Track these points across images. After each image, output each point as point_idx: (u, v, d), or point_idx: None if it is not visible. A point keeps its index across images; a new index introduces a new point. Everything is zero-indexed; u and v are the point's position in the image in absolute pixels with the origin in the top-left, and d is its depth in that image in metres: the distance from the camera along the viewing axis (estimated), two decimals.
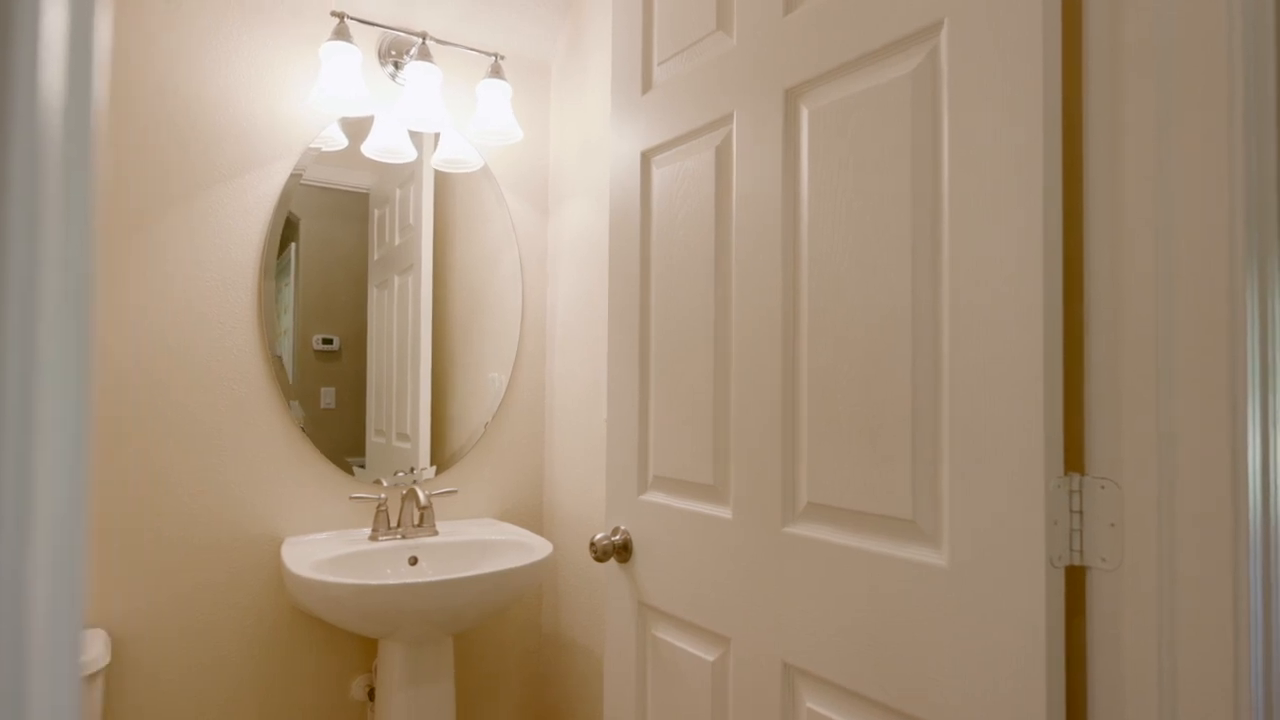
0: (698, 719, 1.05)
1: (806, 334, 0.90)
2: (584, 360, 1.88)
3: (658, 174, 1.16)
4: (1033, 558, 0.67)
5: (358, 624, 1.42)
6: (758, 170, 0.97)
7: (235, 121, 1.64)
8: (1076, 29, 0.71)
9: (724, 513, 1.01)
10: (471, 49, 1.87)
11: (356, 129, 1.77)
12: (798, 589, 0.90)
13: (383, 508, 1.70)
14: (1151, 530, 0.64)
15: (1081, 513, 0.68)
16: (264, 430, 1.67)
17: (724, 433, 1.02)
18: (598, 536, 1.17)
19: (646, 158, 1.18)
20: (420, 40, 1.77)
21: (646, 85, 1.20)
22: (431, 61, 1.71)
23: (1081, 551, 0.68)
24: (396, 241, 1.83)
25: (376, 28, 1.79)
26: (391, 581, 1.37)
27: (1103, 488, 0.67)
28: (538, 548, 1.63)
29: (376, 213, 1.81)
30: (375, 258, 1.81)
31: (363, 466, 1.78)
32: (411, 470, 1.84)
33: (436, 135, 1.88)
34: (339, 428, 1.75)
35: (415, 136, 1.85)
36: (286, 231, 1.69)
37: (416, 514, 1.77)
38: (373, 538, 1.68)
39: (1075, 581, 0.70)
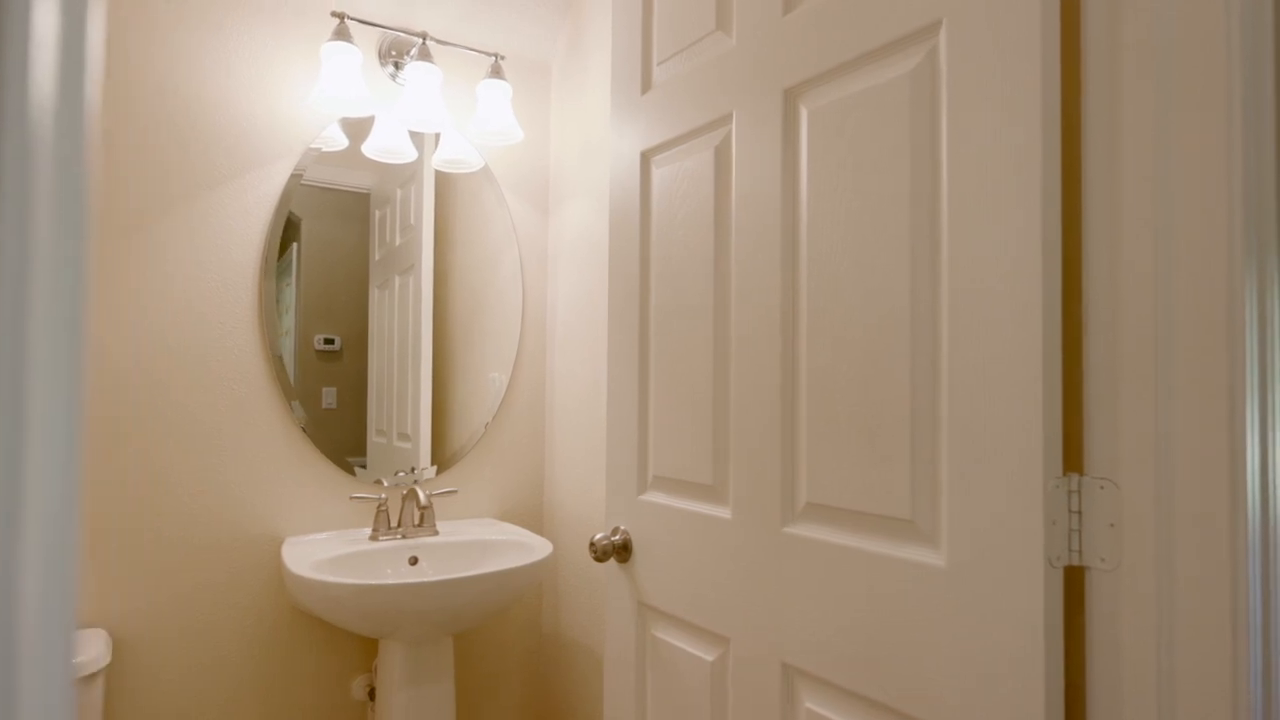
0: (697, 719, 1.05)
1: (805, 334, 0.90)
2: (584, 360, 1.88)
3: (657, 174, 1.16)
4: (1031, 558, 0.67)
5: (358, 624, 1.42)
6: (757, 170, 0.97)
7: (235, 122, 1.64)
8: (1075, 29, 0.71)
9: (723, 513, 1.01)
10: (472, 49, 1.87)
11: (357, 129, 1.78)
12: (797, 589, 0.90)
13: (383, 508, 1.70)
14: (1150, 530, 0.64)
15: (1080, 513, 0.68)
16: (264, 430, 1.67)
17: (723, 433, 1.02)
18: (598, 536, 1.17)
19: (646, 158, 1.18)
20: (420, 40, 1.77)
21: (646, 85, 1.20)
22: (432, 62, 1.71)
23: (1080, 552, 0.68)
24: (397, 242, 1.83)
25: (377, 28, 1.80)
26: (392, 581, 1.37)
27: (1101, 488, 0.67)
28: (538, 548, 1.63)
29: (377, 213, 1.81)
30: (376, 258, 1.81)
31: (364, 466, 1.78)
32: (412, 470, 1.84)
33: (437, 135, 1.88)
34: (340, 428, 1.75)
35: (416, 137, 1.85)
36: (288, 232, 1.70)
37: (417, 514, 1.77)
38: (373, 538, 1.68)
39: (1074, 582, 0.70)
